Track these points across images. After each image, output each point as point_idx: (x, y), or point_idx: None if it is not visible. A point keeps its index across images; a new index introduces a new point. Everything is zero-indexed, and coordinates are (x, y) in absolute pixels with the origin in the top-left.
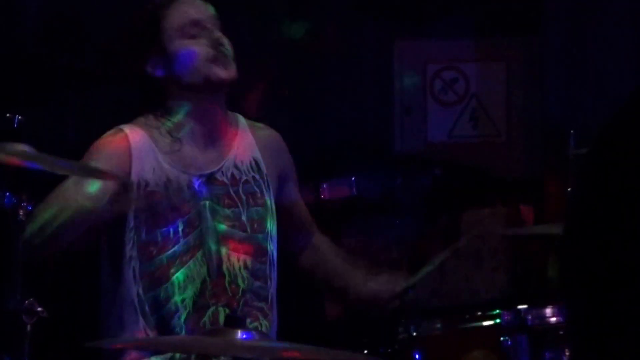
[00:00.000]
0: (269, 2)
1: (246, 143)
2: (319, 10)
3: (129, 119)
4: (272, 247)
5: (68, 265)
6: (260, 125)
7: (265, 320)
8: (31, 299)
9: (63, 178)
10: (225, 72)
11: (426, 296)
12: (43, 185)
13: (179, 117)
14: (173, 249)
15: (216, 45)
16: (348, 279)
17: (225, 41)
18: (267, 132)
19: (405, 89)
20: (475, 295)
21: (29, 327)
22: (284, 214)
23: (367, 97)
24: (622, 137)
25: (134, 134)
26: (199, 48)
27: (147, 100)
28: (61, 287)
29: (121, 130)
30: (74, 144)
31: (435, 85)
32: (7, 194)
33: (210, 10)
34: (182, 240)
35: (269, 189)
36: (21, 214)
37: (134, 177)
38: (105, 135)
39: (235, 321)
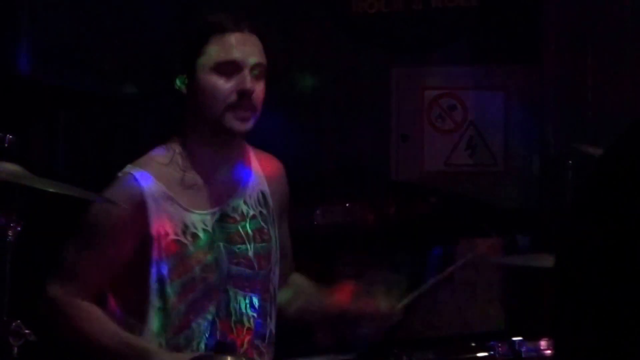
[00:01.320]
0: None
1: (255, 176)
2: (317, 38)
3: (122, 142)
4: (274, 283)
5: None
6: (267, 155)
7: (260, 359)
8: (18, 321)
9: (53, 199)
10: (239, 125)
11: (419, 327)
12: (33, 205)
13: (192, 146)
14: (194, 296)
15: (242, 93)
16: (329, 304)
17: (257, 93)
18: (274, 164)
19: (402, 115)
20: (468, 326)
21: (15, 349)
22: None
23: (363, 124)
24: (618, 168)
25: (145, 181)
26: (224, 91)
27: (166, 121)
28: None
29: (131, 176)
30: (64, 164)
31: (433, 113)
32: None
33: (257, 54)
34: (199, 286)
35: (274, 222)
36: (10, 234)
37: (153, 230)
38: (115, 183)
39: (225, 348)
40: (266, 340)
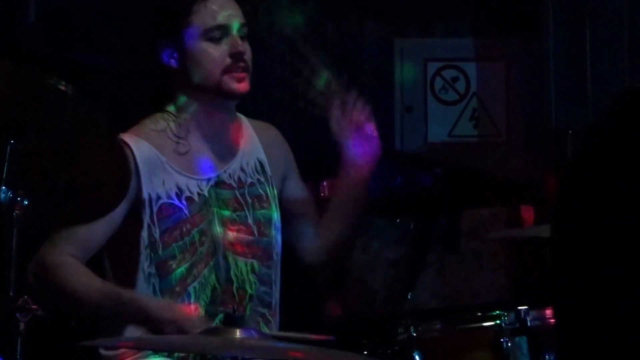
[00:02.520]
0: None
1: (251, 144)
2: (319, 9)
3: (123, 114)
4: (277, 251)
5: None
6: (262, 124)
7: (267, 327)
8: (25, 297)
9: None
10: (237, 85)
11: (426, 297)
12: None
13: (185, 116)
14: (191, 261)
15: (235, 55)
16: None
17: (247, 53)
18: (270, 131)
19: (406, 87)
20: (474, 296)
21: (22, 325)
22: (293, 211)
23: (367, 95)
24: (607, 140)
25: (138, 147)
26: (217, 55)
27: (157, 93)
28: None
29: (125, 143)
30: None
31: (436, 84)
32: (3, 188)
33: (240, 16)
34: (197, 250)
35: (274, 190)
36: (17, 210)
37: (144, 194)
38: None
39: (234, 320)
40: (272, 308)
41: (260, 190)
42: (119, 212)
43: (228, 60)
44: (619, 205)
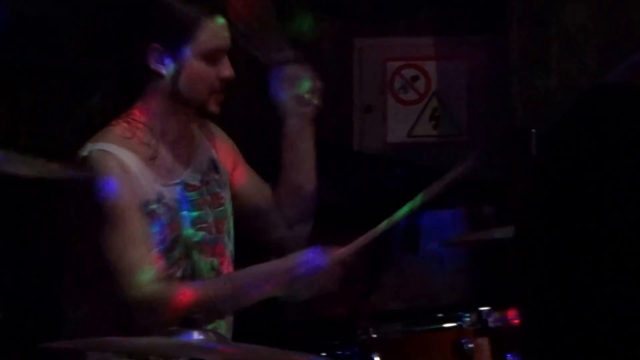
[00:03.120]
0: None
1: (203, 144)
2: (278, 8)
3: (83, 118)
4: (231, 247)
5: (26, 266)
6: (205, 122)
7: (223, 321)
8: None
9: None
10: (215, 108)
11: (386, 299)
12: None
13: (153, 122)
14: (166, 264)
15: (223, 80)
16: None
17: (232, 76)
18: (214, 129)
19: (365, 87)
20: (435, 298)
21: None
22: (249, 195)
23: (326, 95)
24: (574, 139)
25: (119, 153)
26: (211, 77)
27: (129, 93)
28: (19, 288)
29: (105, 152)
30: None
31: (396, 84)
32: None
33: (229, 37)
34: (172, 254)
35: (226, 187)
36: None
37: (140, 199)
38: (94, 161)
39: (191, 322)
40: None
41: (216, 188)
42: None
43: (217, 83)
44: (585, 205)
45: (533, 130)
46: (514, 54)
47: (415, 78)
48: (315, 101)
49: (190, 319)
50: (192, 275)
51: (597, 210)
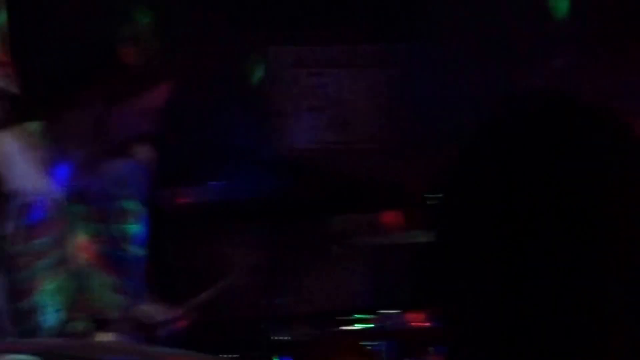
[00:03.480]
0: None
1: None
2: (190, 16)
3: None
4: (129, 258)
5: None
6: None
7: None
8: None
9: None
10: None
11: (291, 303)
12: None
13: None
14: (48, 260)
15: None
16: None
17: None
18: None
19: (274, 93)
20: (340, 301)
21: None
22: None
23: (235, 102)
24: (492, 146)
25: (3, 138)
26: None
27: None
28: None
29: None
30: None
31: (304, 91)
32: None
33: None
34: (55, 252)
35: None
36: None
37: (16, 184)
38: None
39: (99, 324)
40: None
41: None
42: None
43: None
44: (501, 214)
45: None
46: (421, 62)
47: (323, 85)
48: None
49: (98, 321)
50: (80, 279)
51: (516, 214)
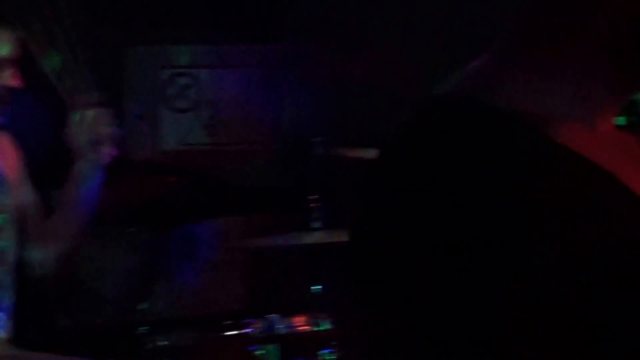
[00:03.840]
0: None
1: None
2: (52, 16)
3: None
4: (11, 254)
5: None
6: None
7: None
8: None
9: None
10: None
11: (162, 308)
12: None
13: None
14: None
15: (4, 88)
16: None
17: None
18: (2, 137)
19: (139, 94)
20: (214, 305)
21: None
22: (20, 217)
23: (100, 103)
24: (409, 147)
25: None
26: None
27: None
28: None
29: None
30: None
31: (169, 91)
32: None
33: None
34: None
35: (10, 193)
36: None
37: None
38: None
39: None
40: (4, 312)
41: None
42: None
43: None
44: (411, 218)
45: (314, 139)
46: (290, 62)
47: (188, 86)
48: (109, 148)
49: None
50: None
51: (431, 217)
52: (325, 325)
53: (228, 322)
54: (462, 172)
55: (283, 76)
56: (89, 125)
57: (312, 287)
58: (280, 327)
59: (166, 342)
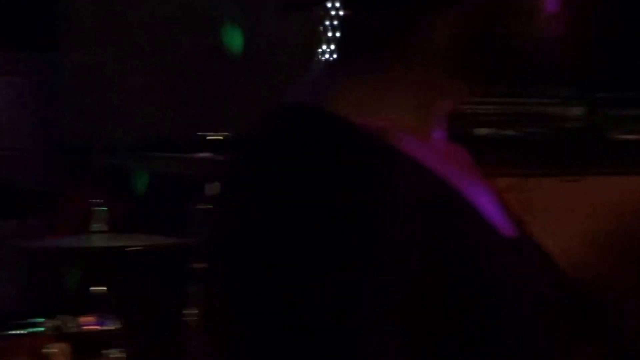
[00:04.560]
0: None
1: None
2: None
3: None
4: None
5: None
6: None
7: None
8: None
9: None
10: None
11: None
12: None
13: None
14: None
15: None
16: None
17: None
18: None
19: None
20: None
21: None
22: None
23: None
24: (257, 155)
25: None
26: None
27: None
28: None
29: None
30: None
31: None
32: None
33: None
34: None
35: None
36: None
37: None
38: None
39: None
40: None
41: None
42: None
43: None
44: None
45: (95, 146)
46: (67, 71)
47: None
48: None
49: None
50: None
51: (275, 227)
52: (112, 325)
53: (15, 321)
54: (304, 184)
55: (59, 84)
56: None
57: (93, 288)
58: (70, 326)
59: None
